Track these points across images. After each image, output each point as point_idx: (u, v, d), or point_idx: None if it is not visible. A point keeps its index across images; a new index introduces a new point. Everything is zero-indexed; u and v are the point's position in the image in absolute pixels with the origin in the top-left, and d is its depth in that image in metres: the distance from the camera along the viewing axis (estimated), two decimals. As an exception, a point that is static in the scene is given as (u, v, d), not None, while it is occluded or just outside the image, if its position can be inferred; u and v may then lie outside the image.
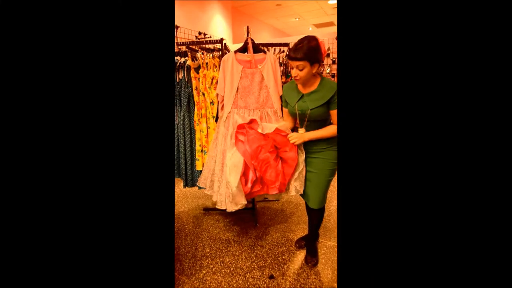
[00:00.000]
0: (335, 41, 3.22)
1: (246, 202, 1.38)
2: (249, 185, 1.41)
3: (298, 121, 1.38)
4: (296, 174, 1.40)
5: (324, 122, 1.33)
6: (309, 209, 1.47)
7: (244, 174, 1.40)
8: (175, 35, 2.87)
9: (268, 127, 1.40)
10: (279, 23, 6.49)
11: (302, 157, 1.40)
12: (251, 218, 2.02)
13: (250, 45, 1.55)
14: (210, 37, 2.22)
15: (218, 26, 4.26)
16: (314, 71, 1.23)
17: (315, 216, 1.48)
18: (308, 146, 1.39)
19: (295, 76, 1.24)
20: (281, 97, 1.69)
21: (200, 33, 3.04)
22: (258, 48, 1.60)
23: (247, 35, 1.54)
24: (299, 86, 1.34)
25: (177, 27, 2.93)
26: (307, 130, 1.35)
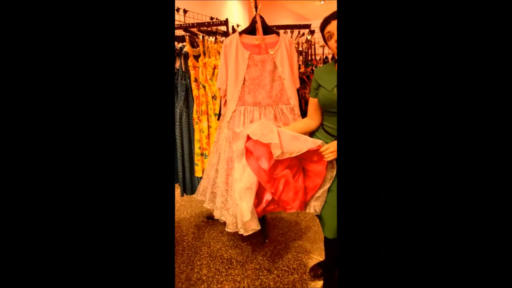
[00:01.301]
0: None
1: (259, 228, 1.09)
2: (263, 205, 1.13)
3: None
4: (320, 192, 1.08)
5: None
6: (325, 237, 1.15)
7: (257, 195, 1.10)
8: (183, 20, 2.59)
9: (295, 145, 1.03)
10: (302, 8, 5.98)
11: (332, 172, 1.07)
12: (260, 232, 1.73)
13: (259, 24, 1.22)
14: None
15: (233, 11, 3.91)
16: None
17: (332, 246, 1.16)
18: None
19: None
20: (298, 90, 1.36)
21: (212, 18, 2.73)
22: (269, 29, 1.26)
23: (256, 11, 1.21)
24: None
25: (186, 11, 2.64)
26: None
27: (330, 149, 0.99)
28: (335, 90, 0.98)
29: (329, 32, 0.94)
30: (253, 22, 1.24)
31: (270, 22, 1.31)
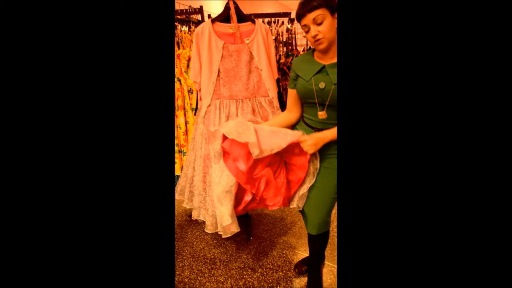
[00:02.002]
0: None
1: (239, 230, 1.06)
2: (243, 205, 1.08)
3: (316, 103, 0.95)
4: (304, 189, 1.04)
5: None
6: (308, 233, 1.12)
7: (237, 195, 1.05)
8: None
9: (275, 141, 0.97)
10: (287, -2, 5.87)
11: (315, 166, 1.01)
12: (244, 230, 1.68)
13: (233, 11, 1.14)
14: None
15: (215, 1, 3.77)
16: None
17: (316, 242, 1.12)
18: None
19: (315, 36, 0.86)
20: (277, 80, 1.30)
21: (190, 7, 2.60)
22: (244, 16, 1.19)
23: (228, -3, 1.13)
24: (318, 55, 0.95)
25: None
26: (328, 117, 0.95)
27: (309, 142, 0.94)
28: (313, 80, 0.93)
29: (305, 25, 0.88)
30: (227, 9, 1.16)
31: (251, 11, 1.24)
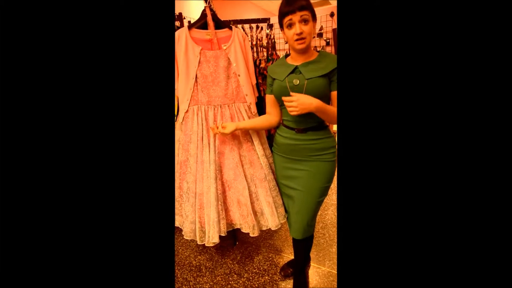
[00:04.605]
0: (329, 18, 2.78)
1: (219, 240, 1.15)
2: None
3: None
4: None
5: (325, 101, 0.95)
6: (292, 237, 1.13)
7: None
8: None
9: None
10: (268, 3, 5.95)
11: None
12: (230, 235, 1.67)
13: (209, 17, 1.15)
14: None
15: (196, 7, 3.78)
16: (314, 32, 0.93)
17: (301, 246, 1.13)
18: (293, 152, 1.02)
19: (299, 34, 0.88)
20: (258, 86, 1.31)
21: (180, 14, 2.60)
22: (221, 23, 1.20)
23: (206, 2, 1.14)
24: (291, 59, 0.99)
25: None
26: (306, 113, 0.93)
27: (294, 103, 0.89)
28: (287, 79, 0.96)
29: (290, 20, 0.88)
30: (203, 16, 1.17)
31: (231, 17, 1.25)
